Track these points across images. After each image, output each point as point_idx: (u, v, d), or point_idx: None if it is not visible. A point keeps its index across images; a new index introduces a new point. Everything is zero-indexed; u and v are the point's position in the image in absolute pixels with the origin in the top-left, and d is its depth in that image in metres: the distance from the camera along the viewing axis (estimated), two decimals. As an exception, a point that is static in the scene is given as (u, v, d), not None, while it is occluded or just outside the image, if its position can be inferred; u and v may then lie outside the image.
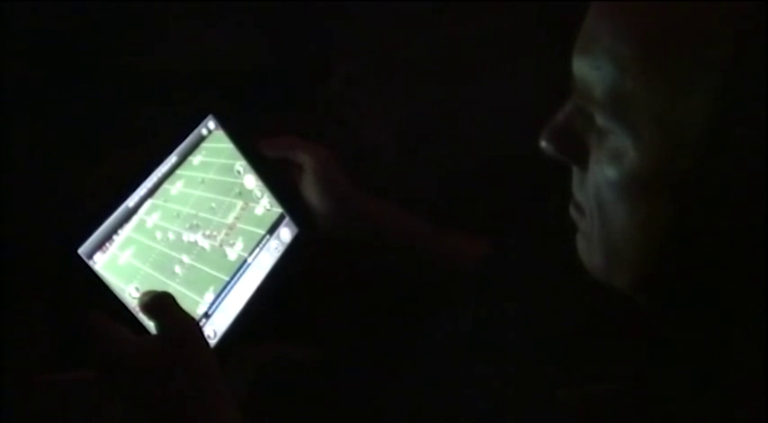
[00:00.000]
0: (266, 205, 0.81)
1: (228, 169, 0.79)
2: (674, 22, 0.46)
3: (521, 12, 1.05)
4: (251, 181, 0.80)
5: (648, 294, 0.54)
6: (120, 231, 0.69)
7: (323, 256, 0.91)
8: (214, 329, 0.74)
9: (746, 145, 0.46)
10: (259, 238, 0.79)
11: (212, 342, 0.74)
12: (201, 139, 0.77)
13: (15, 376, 0.78)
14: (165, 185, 0.73)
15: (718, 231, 0.49)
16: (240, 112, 0.84)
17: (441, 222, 0.87)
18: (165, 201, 0.73)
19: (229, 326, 0.76)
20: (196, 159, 0.76)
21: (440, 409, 0.67)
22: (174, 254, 0.73)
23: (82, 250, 0.67)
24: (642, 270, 0.53)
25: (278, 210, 0.82)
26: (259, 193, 0.81)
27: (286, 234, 0.82)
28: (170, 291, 0.69)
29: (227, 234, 0.77)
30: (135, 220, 0.70)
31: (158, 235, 0.72)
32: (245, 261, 0.78)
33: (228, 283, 0.76)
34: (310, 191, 0.81)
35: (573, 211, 0.57)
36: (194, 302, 0.73)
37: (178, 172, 0.74)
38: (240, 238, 0.78)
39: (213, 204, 0.77)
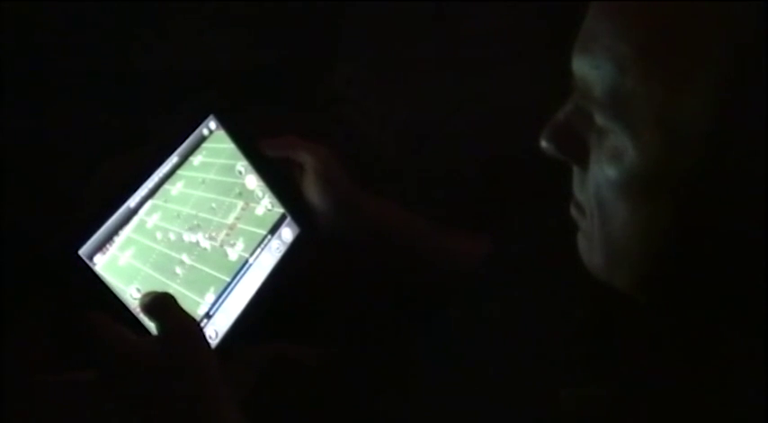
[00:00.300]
0: (267, 205, 0.81)
1: (229, 169, 0.79)
2: (674, 22, 0.46)
3: (521, 12, 1.05)
4: (252, 181, 0.80)
5: (649, 294, 0.54)
6: (120, 232, 0.69)
7: (324, 255, 0.91)
8: (215, 330, 0.74)
9: (746, 144, 0.45)
10: (260, 238, 0.79)
11: (213, 342, 0.74)
12: (202, 139, 0.77)
13: (15, 376, 0.78)
14: (166, 186, 0.73)
15: (718, 231, 0.49)
16: (241, 112, 0.84)
17: (441, 222, 0.87)
18: (166, 201, 0.73)
19: (231, 326, 0.75)
20: (196, 160, 0.76)
21: (440, 409, 0.67)
22: (174, 254, 0.73)
23: (83, 251, 0.67)
24: (643, 269, 0.53)
25: (279, 210, 0.82)
26: (260, 194, 0.81)
27: (287, 234, 0.82)
28: (170, 291, 0.69)
29: (227, 234, 0.77)
30: (135, 220, 0.70)
31: (159, 235, 0.72)
32: (247, 261, 0.78)
33: (230, 283, 0.76)
34: (311, 190, 0.81)
35: (573, 211, 0.57)
36: (195, 303, 0.73)
37: (179, 172, 0.74)
38: (241, 239, 0.78)
39: (214, 205, 0.77)
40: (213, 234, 0.76)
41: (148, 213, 0.71)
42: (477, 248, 0.82)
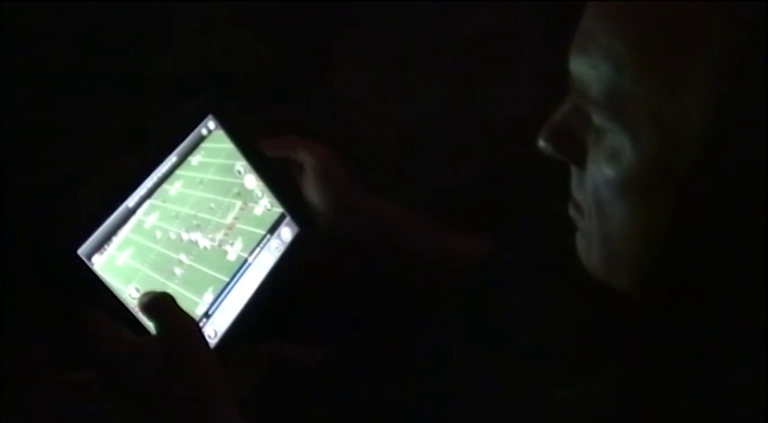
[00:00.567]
0: (267, 205, 0.81)
1: (228, 169, 0.79)
2: (671, 21, 0.46)
3: (521, 12, 1.05)
4: (251, 181, 0.80)
5: (647, 293, 0.54)
6: (118, 232, 0.69)
7: (324, 255, 0.91)
8: (215, 329, 0.74)
9: (744, 143, 0.45)
10: (259, 237, 0.79)
11: (213, 342, 0.74)
12: (201, 138, 0.77)
13: (15, 376, 0.79)
14: (164, 186, 0.73)
15: (716, 230, 0.49)
16: (240, 112, 0.84)
17: (441, 221, 0.87)
18: (164, 201, 0.73)
19: (230, 326, 0.75)
20: (195, 160, 0.76)
21: (439, 408, 0.67)
22: (172, 254, 0.73)
23: (81, 251, 0.67)
24: (641, 269, 0.53)
25: (278, 209, 0.82)
26: (259, 193, 0.81)
27: (287, 233, 0.82)
28: (169, 291, 0.69)
29: (226, 234, 0.77)
30: (133, 220, 0.70)
31: (157, 235, 0.72)
32: (246, 261, 0.78)
33: (228, 283, 0.76)
34: (311, 190, 0.81)
35: (572, 211, 0.57)
36: (194, 303, 0.73)
37: (177, 172, 0.74)
38: (240, 239, 0.78)
39: (212, 205, 0.77)
40: (212, 234, 0.76)
41: (147, 213, 0.71)
42: (477, 248, 0.81)
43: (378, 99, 1.09)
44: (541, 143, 0.54)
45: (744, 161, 0.46)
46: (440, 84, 1.07)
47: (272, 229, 0.81)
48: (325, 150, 0.81)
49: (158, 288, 0.70)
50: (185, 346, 0.66)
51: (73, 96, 1.00)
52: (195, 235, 0.75)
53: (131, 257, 0.70)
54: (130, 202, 0.70)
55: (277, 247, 0.81)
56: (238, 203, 0.79)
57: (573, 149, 0.53)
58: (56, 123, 0.99)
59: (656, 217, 0.50)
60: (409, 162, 1.07)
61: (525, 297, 0.69)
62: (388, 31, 1.09)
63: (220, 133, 0.79)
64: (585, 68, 0.49)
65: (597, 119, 0.50)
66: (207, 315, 0.74)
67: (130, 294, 0.69)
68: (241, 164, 0.80)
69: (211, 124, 0.78)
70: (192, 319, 0.69)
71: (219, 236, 0.76)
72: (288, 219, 0.82)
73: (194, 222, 0.75)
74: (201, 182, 0.76)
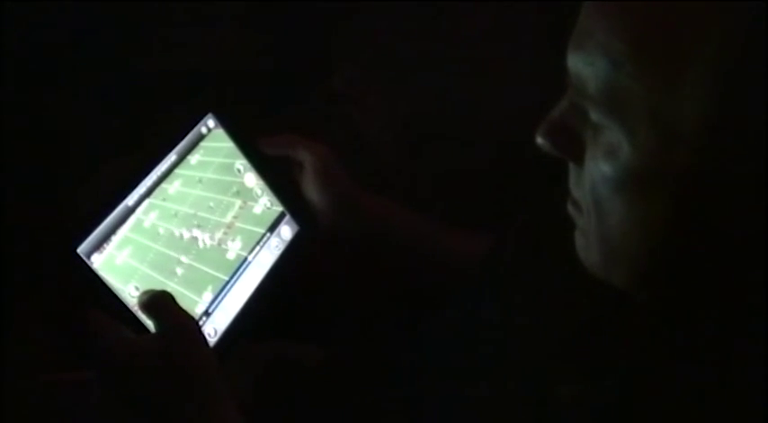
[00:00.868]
0: (266, 203, 0.81)
1: (228, 168, 0.79)
2: (668, 18, 0.46)
3: (520, 10, 1.05)
4: (251, 179, 0.80)
5: (646, 291, 0.54)
6: (117, 231, 0.69)
7: (324, 254, 0.91)
8: (214, 328, 0.74)
9: (741, 140, 0.45)
10: (259, 236, 0.79)
11: (212, 341, 0.74)
12: (201, 137, 0.77)
13: (15, 376, 0.79)
14: (164, 185, 0.73)
15: (714, 227, 0.49)
16: (240, 112, 0.84)
17: (441, 220, 0.86)
18: (163, 200, 0.73)
19: (229, 324, 0.75)
20: (194, 159, 0.76)
21: (440, 408, 0.67)
22: (172, 253, 0.73)
23: (81, 249, 0.67)
24: (639, 266, 0.53)
25: (278, 208, 0.82)
26: (259, 192, 0.81)
27: (287, 232, 0.82)
28: (169, 290, 0.69)
29: (225, 233, 0.77)
30: (132, 219, 0.70)
31: (156, 234, 0.72)
32: (245, 260, 0.78)
33: (228, 281, 0.76)
34: (311, 188, 0.81)
35: (571, 208, 0.57)
36: (193, 302, 0.73)
37: (176, 171, 0.74)
38: (239, 237, 0.78)
39: (211, 203, 0.77)
40: (211, 232, 0.76)
41: (146, 212, 0.71)
42: (478, 248, 0.81)
43: (378, 98, 1.09)
44: (539, 140, 0.54)
45: (741, 157, 0.46)
46: (439, 83, 1.07)
47: (272, 227, 0.81)
48: (324, 149, 0.81)
49: (158, 287, 0.70)
50: (185, 345, 0.66)
51: (73, 96, 1.00)
52: (195, 233, 0.75)
53: (131, 256, 0.70)
54: (130, 200, 0.70)
55: (277, 246, 0.81)
56: (238, 202, 0.79)
57: (571, 147, 0.53)
58: (56, 123, 0.99)
59: (654, 214, 0.50)
60: (409, 161, 1.07)
61: (525, 296, 0.69)
62: (388, 31, 1.09)
63: (220, 132, 0.79)
64: (583, 65, 0.49)
65: (595, 116, 0.50)
66: (206, 314, 0.74)
67: (130, 293, 0.69)
68: (240, 162, 0.80)
69: (211, 123, 0.78)
70: (192, 318, 0.69)
71: (219, 234, 0.76)
72: (287, 217, 0.82)
73: (194, 221, 0.75)
74: (201, 180, 0.76)
